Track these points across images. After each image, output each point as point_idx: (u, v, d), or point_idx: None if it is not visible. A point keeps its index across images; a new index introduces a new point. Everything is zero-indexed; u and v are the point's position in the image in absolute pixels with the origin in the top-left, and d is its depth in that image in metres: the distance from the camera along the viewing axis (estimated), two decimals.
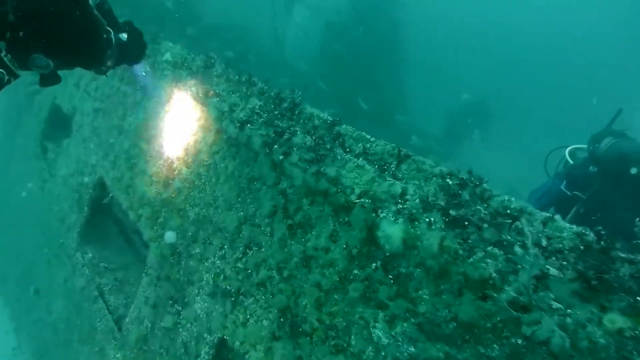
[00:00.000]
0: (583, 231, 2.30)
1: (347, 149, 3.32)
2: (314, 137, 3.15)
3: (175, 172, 4.42)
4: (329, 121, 3.60)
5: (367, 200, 2.57)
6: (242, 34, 12.21)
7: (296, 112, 3.75)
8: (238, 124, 3.57)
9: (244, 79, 4.23)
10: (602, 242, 2.21)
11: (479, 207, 2.41)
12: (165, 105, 4.69)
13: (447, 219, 2.31)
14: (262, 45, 13.05)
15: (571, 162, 5.80)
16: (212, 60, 4.52)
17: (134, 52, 2.94)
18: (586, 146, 5.70)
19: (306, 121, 3.67)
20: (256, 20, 13.99)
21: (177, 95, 4.50)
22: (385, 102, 14.70)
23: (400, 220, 2.41)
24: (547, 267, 1.96)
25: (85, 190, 5.90)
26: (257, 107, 3.69)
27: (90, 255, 5.94)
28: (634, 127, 5.66)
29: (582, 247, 2.22)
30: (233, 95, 3.99)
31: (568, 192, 5.49)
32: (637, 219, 5.05)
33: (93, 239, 6.08)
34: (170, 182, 4.45)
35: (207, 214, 3.91)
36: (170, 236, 4.23)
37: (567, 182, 5.61)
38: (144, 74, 4.71)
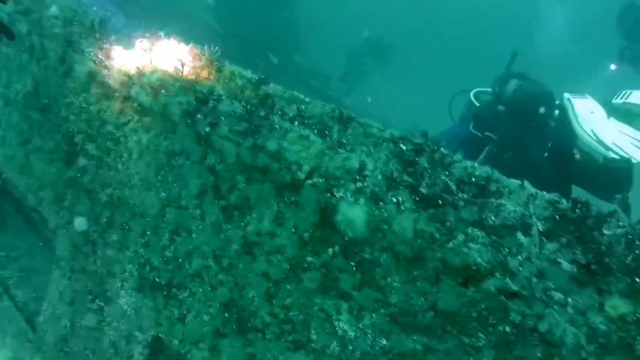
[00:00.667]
0: (555, 199, 2.10)
1: (280, 113, 2.91)
2: (243, 103, 2.72)
3: (78, 147, 3.82)
4: (254, 80, 3.16)
5: (319, 179, 2.21)
6: None
7: (214, 70, 3.27)
8: (150, 90, 3.05)
9: (148, 34, 3.63)
10: (577, 210, 2.01)
11: (443, 177, 2.13)
12: (59, 69, 4.00)
13: (417, 198, 2.01)
14: None
15: (477, 105, 5.78)
16: (109, 14, 3.86)
17: None
18: (490, 89, 5.71)
19: (227, 81, 3.21)
20: None
21: (71, 56, 3.83)
22: (282, 42, 14.31)
23: (362, 201, 2.08)
24: (557, 259, 1.72)
25: None
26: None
27: None
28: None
29: (557, 217, 2.02)
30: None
31: (479, 134, 5.48)
32: (545, 154, 5.19)
33: None
34: (73, 159, 3.86)
35: (122, 196, 3.40)
36: (80, 223, 3.69)
37: (475, 124, 5.60)
38: None
